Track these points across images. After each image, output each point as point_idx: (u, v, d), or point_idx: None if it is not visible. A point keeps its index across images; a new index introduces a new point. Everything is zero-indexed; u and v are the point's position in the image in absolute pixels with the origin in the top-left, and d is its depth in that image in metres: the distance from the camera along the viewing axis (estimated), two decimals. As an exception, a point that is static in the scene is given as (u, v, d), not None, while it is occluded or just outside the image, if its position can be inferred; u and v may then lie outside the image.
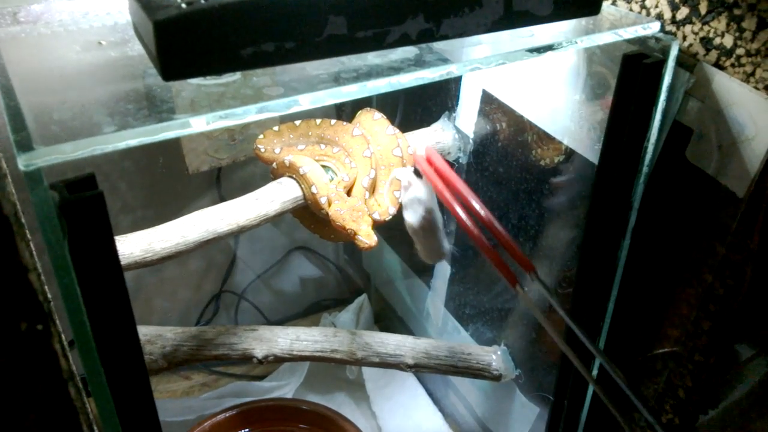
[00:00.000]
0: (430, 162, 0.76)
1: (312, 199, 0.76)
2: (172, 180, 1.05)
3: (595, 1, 0.54)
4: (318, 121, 0.82)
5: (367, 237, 0.72)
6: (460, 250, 0.97)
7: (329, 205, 0.75)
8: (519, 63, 0.53)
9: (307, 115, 0.81)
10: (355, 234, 0.72)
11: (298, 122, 0.83)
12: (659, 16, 0.62)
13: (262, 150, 0.82)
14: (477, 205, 0.66)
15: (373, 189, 0.80)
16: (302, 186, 0.76)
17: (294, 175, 0.77)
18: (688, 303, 0.66)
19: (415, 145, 0.81)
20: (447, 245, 0.78)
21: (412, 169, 0.79)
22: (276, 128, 0.83)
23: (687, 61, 0.60)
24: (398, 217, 0.82)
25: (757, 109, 0.55)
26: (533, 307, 0.59)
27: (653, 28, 0.58)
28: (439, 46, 0.52)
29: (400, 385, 1.18)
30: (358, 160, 0.79)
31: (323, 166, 0.79)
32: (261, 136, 0.83)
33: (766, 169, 0.55)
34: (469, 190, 0.68)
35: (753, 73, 0.55)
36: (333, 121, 0.81)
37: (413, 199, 0.72)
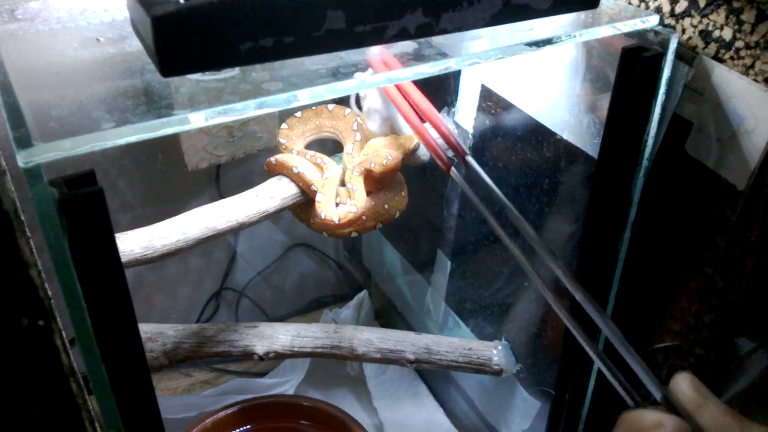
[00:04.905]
0: (387, 66, 0.76)
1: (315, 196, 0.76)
2: (171, 177, 1.05)
3: (594, -6, 0.54)
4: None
5: (407, 140, 0.75)
6: (459, 246, 0.97)
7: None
8: (518, 57, 0.53)
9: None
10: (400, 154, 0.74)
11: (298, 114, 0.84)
12: (658, 9, 0.62)
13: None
14: (423, 105, 0.73)
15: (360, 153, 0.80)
16: (299, 184, 0.77)
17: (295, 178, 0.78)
18: (688, 296, 0.66)
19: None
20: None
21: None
22: (299, 114, 0.84)
23: (686, 54, 0.59)
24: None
25: (756, 101, 0.55)
26: (466, 187, 0.62)
27: (652, 21, 0.58)
28: (437, 40, 0.52)
29: (401, 381, 1.18)
30: (348, 133, 0.79)
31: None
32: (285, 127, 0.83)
33: (765, 162, 0.55)
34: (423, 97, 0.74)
35: (752, 66, 0.55)
36: (331, 107, 0.82)
37: (370, 109, 0.78)
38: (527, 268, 0.55)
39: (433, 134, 0.74)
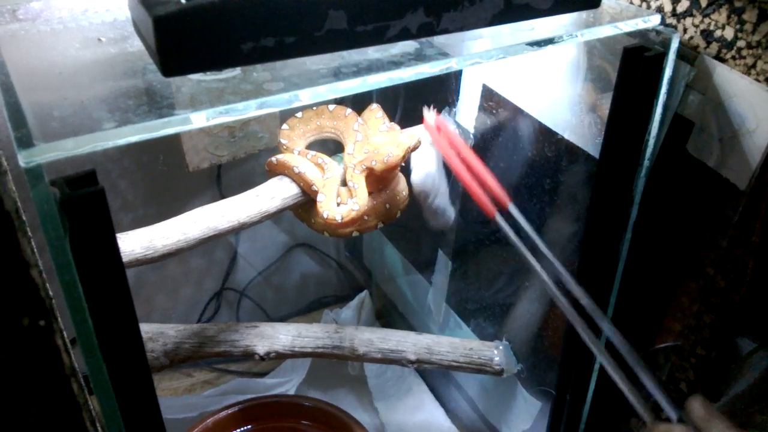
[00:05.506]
0: (439, 130, 0.76)
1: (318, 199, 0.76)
2: (173, 177, 1.05)
3: (595, -6, 0.54)
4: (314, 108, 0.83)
5: (408, 138, 0.74)
6: (460, 247, 0.97)
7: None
8: (519, 57, 0.53)
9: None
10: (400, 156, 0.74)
11: (299, 114, 0.83)
12: (659, 9, 0.62)
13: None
14: (469, 158, 0.72)
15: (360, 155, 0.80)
16: (300, 185, 0.77)
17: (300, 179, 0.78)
18: (689, 296, 0.66)
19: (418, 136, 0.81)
20: (452, 213, 0.79)
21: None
22: (300, 115, 0.83)
23: (688, 54, 0.59)
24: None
25: (758, 101, 0.55)
26: (511, 233, 0.62)
27: (654, 20, 0.58)
28: (439, 40, 0.52)
29: (402, 381, 1.18)
30: (348, 133, 0.80)
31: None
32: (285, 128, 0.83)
33: (767, 162, 0.55)
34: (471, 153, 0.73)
35: (754, 66, 0.55)
36: (332, 107, 0.82)
37: (421, 163, 0.77)
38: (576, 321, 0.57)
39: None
